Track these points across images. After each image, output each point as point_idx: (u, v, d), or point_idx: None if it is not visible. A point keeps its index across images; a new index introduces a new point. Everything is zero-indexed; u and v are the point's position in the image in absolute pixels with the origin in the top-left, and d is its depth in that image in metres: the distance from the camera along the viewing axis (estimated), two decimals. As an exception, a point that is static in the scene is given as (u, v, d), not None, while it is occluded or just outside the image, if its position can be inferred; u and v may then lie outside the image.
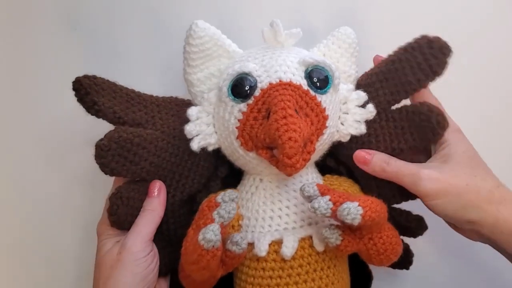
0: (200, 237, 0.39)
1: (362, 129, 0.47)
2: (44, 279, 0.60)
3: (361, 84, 0.48)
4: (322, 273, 0.45)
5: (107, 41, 0.56)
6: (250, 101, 0.43)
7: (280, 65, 0.43)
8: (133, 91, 0.47)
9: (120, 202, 0.44)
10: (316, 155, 0.47)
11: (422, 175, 0.43)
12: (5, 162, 0.59)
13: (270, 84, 0.42)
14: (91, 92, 0.43)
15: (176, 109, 0.48)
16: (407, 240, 0.53)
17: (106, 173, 0.42)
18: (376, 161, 0.45)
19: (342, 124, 0.47)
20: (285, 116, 0.40)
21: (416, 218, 0.51)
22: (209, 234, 0.39)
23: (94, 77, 0.44)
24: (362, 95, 0.47)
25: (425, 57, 0.43)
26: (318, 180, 0.48)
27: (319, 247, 0.44)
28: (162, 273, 0.47)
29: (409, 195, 0.46)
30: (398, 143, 0.46)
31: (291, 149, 0.39)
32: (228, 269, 0.45)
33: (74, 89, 0.44)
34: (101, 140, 0.41)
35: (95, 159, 0.41)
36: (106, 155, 0.41)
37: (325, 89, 0.44)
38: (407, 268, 0.55)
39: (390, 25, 0.55)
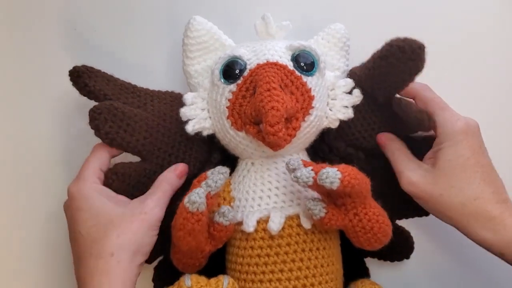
0: (186, 200, 0.41)
1: (349, 113, 0.48)
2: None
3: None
4: (311, 254, 0.45)
5: (108, 37, 0.59)
6: (239, 81, 0.46)
7: (268, 49, 0.46)
8: (128, 83, 0.51)
9: (115, 177, 0.46)
10: (305, 139, 0.48)
11: (403, 177, 0.46)
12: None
13: (258, 64, 0.45)
14: (83, 76, 0.47)
15: (170, 99, 0.51)
16: (408, 227, 0.54)
17: (101, 138, 0.44)
18: (388, 149, 0.49)
19: (330, 110, 0.49)
20: (269, 89, 0.42)
21: None
22: (193, 196, 0.41)
23: (91, 67, 0.49)
24: (349, 82, 0.49)
25: (402, 62, 0.43)
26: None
27: (306, 224, 0.45)
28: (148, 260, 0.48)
29: None
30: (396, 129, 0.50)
31: (274, 118, 0.41)
32: (216, 245, 0.46)
33: (69, 74, 0.48)
34: (94, 106, 0.44)
35: (90, 124, 0.44)
36: (99, 117, 0.44)
37: (311, 72, 0.46)
38: (408, 258, 0.54)
39: (391, 20, 0.57)
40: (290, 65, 0.46)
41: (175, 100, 0.51)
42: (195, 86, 0.51)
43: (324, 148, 0.51)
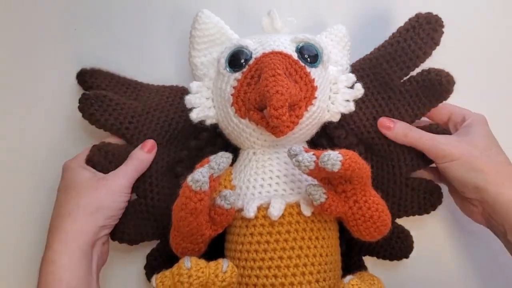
0: (189, 179, 0.41)
1: (351, 107, 0.50)
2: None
3: (364, 67, 0.52)
4: (310, 243, 0.46)
5: (108, 34, 0.61)
6: (245, 69, 0.47)
7: (274, 40, 0.48)
8: (131, 80, 0.56)
9: (97, 152, 0.51)
10: (307, 130, 0.49)
11: (442, 140, 0.49)
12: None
13: (263, 53, 0.47)
14: (85, 76, 0.54)
15: (168, 93, 0.55)
16: (408, 226, 0.54)
17: (86, 119, 0.51)
18: (399, 128, 0.50)
19: (332, 103, 0.50)
20: (274, 75, 0.43)
21: (435, 187, 0.53)
22: (196, 175, 0.41)
23: (96, 70, 0.55)
24: (351, 76, 0.50)
25: (427, 33, 0.49)
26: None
27: (306, 212, 0.45)
28: (130, 241, 0.52)
29: (425, 161, 0.51)
30: (417, 109, 0.51)
31: (278, 101, 0.42)
32: (217, 229, 0.46)
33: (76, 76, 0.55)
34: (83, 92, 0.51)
35: (78, 107, 0.50)
36: (86, 102, 0.50)
37: (315, 63, 0.48)
38: (407, 257, 0.54)
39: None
40: (295, 55, 0.47)
41: (172, 93, 0.54)
42: (201, 78, 0.52)
43: (323, 141, 0.52)
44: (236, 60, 0.48)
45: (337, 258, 0.49)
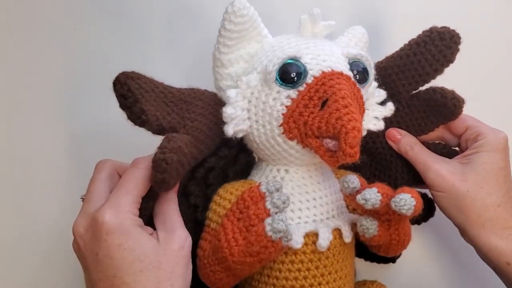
0: (268, 228, 0.37)
1: (380, 125, 0.49)
2: None
3: (377, 75, 0.49)
4: (343, 264, 0.46)
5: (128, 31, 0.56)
6: (302, 88, 0.41)
7: (328, 54, 0.43)
8: (164, 86, 0.42)
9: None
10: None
11: (434, 166, 0.48)
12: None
13: (323, 72, 0.42)
14: (140, 99, 0.38)
15: (201, 106, 0.44)
16: None
17: (161, 189, 0.39)
18: (403, 143, 0.49)
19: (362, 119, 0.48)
20: (347, 105, 0.39)
21: (428, 201, 0.52)
22: (279, 224, 0.37)
23: (137, 76, 0.39)
24: (382, 93, 0.49)
25: (439, 49, 0.46)
26: (333, 173, 0.49)
27: (348, 239, 0.45)
28: None
29: (421, 181, 0.50)
30: (425, 125, 0.50)
31: (355, 139, 0.39)
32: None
33: (119, 94, 0.38)
34: (163, 153, 0.37)
35: (156, 175, 0.37)
36: (170, 170, 0.37)
37: (365, 83, 0.45)
38: (394, 262, 0.57)
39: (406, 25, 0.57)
40: (351, 76, 0.43)
41: (204, 107, 0.44)
42: (223, 76, 0.45)
43: None
44: (288, 73, 0.42)
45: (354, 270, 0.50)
